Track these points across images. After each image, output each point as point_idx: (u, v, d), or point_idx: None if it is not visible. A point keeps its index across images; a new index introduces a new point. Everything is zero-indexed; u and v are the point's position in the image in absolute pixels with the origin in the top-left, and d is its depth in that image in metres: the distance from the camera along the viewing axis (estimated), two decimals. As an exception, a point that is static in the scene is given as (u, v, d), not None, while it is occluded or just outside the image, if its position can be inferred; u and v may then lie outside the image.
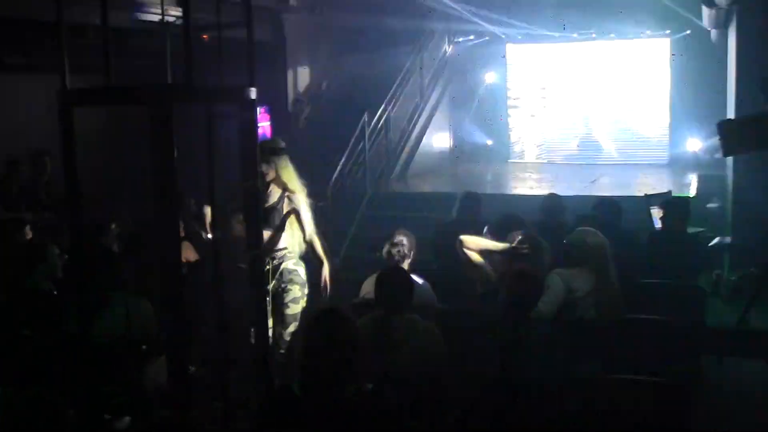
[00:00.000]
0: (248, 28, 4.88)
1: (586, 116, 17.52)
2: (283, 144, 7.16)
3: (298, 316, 7.07)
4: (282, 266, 7.03)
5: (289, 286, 7.06)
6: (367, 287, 6.35)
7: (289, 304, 7.04)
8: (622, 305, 6.15)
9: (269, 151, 6.88)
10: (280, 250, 7.03)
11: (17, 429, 3.19)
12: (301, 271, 7.14)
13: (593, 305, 5.93)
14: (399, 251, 6.52)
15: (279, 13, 15.49)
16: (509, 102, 18.04)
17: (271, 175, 6.96)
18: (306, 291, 7.16)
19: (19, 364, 5.36)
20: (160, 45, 4.76)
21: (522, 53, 17.89)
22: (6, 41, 11.48)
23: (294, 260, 7.11)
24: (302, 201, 7.04)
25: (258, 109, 4.96)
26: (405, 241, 6.58)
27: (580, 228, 6.41)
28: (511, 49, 17.73)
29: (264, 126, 14.37)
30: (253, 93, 4.81)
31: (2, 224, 9.65)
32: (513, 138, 18.17)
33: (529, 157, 18.08)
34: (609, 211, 7.81)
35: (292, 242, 7.06)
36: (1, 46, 11.60)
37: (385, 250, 6.62)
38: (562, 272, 6.03)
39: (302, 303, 7.12)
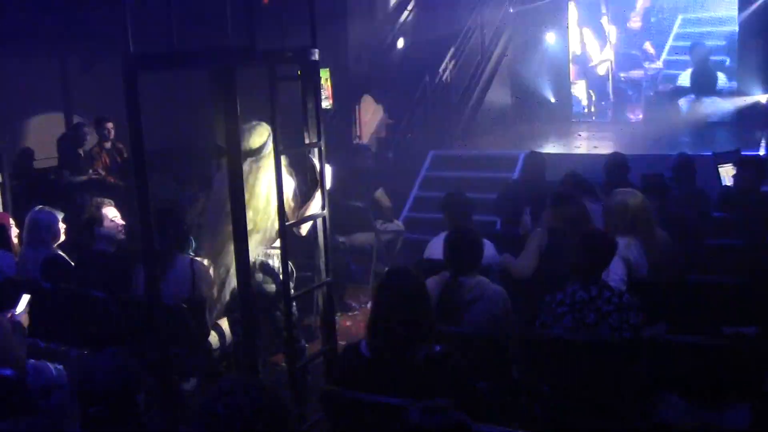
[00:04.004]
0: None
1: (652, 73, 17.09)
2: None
3: None
4: None
5: None
6: (433, 248, 6.31)
7: None
8: (682, 266, 5.97)
9: None
10: None
11: (94, 390, 3.22)
12: None
13: (650, 268, 5.79)
14: None
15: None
16: (570, 59, 17.68)
17: None
18: None
19: (91, 326, 5.45)
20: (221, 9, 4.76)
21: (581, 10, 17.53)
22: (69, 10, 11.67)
23: None
24: None
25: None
26: None
27: (619, 189, 6.22)
28: (572, 6, 17.37)
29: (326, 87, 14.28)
30: (315, 54, 4.79)
31: (66, 188, 9.88)
32: (577, 96, 17.85)
33: (595, 115, 17.76)
34: (683, 171, 7.62)
35: None
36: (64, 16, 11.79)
37: None
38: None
39: None
